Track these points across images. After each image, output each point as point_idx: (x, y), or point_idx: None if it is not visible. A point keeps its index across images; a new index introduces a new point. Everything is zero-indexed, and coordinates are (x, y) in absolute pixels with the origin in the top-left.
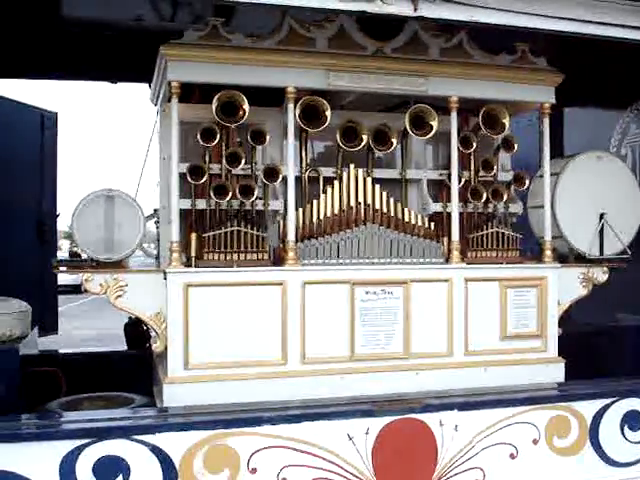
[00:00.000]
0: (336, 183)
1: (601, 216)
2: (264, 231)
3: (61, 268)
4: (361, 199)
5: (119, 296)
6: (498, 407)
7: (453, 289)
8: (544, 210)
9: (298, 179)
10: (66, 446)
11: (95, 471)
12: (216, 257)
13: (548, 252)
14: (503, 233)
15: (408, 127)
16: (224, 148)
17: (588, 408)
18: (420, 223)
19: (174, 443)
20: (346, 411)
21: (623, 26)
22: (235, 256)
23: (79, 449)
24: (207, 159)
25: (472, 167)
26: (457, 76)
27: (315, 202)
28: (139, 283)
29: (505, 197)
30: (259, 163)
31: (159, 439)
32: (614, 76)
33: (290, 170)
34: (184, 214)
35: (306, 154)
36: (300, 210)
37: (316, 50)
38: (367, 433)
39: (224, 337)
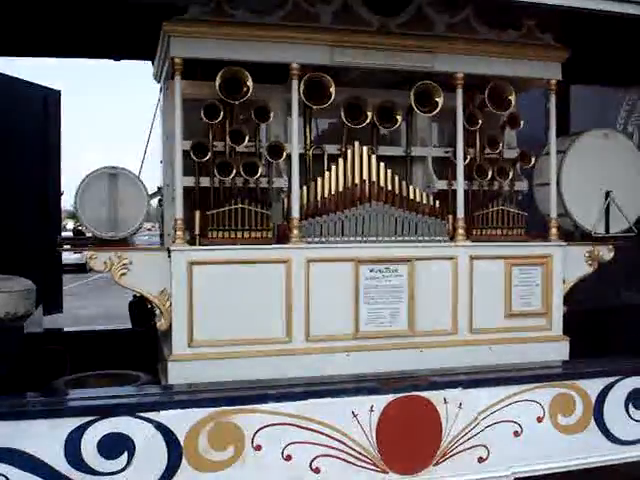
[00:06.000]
0: (340, 160)
1: (607, 194)
2: (268, 209)
3: (65, 246)
4: (366, 177)
5: (123, 274)
6: (502, 385)
7: (458, 267)
8: (550, 188)
9: (302, 156)
10: (71, 423)
11: (100, 448)
12: (220, 235)
13: (554, 230)
14: (508, 211)
15: (413, 104)
16: (228, 125)
17: (593, 386)
18: (425, 201)
19: (179, 420)
20: (351, 388)
21: (629, 1)
22: (239, 234)
23: (84, 426)
24: (211, 136)
25: (477, 144)
26: (463, 52)
27: (319, 180)
28: (143, 261)
29: (510, 175)
30: (263, 140)
31: (164, 416)
32: (622, 54)
33: (294, 147)
34: (188, 192)
35: (310, 131)
36: (304, 188)
37: (320, 26)
38: (372, 410)
39: (228, 315)
